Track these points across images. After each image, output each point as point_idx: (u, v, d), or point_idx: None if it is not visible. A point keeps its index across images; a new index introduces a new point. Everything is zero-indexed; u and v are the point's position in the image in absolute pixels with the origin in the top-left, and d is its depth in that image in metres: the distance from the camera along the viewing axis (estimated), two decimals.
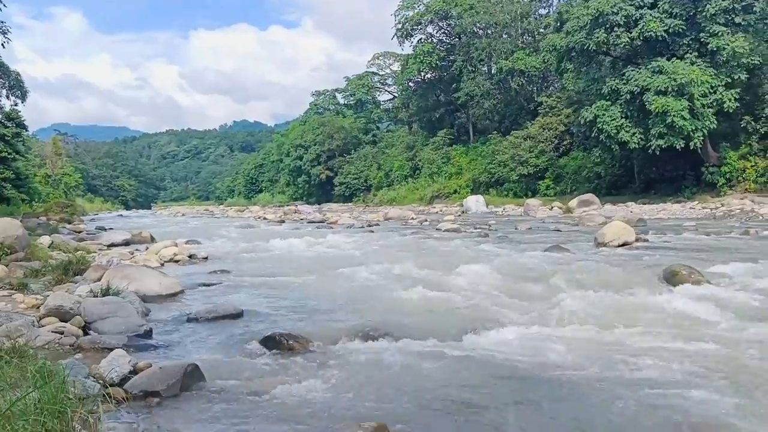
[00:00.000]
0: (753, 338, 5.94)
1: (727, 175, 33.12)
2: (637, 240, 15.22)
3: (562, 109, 46.07)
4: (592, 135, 35.74)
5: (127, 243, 18.29)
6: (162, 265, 12.74)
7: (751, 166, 32.61)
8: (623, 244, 14.72)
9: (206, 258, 14.40)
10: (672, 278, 9.12)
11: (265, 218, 39.82)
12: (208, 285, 10.19)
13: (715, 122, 31.54)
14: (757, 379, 4.66)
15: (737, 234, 17.28)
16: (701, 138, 31.58)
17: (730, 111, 31.64)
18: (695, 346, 5.71)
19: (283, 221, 34.92)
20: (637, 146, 33.10)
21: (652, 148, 32.17)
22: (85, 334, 6.30)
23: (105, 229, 24.74)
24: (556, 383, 4.76)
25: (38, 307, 7.30)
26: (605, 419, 4.01)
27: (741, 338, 5.98)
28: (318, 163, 76.24)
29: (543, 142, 45.91)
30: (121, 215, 57.46)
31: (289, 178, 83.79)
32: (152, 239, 19.26)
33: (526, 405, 4.35)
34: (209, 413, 4.33)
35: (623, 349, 5.66)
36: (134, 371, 4.95)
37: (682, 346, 5.75)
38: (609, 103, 34.19)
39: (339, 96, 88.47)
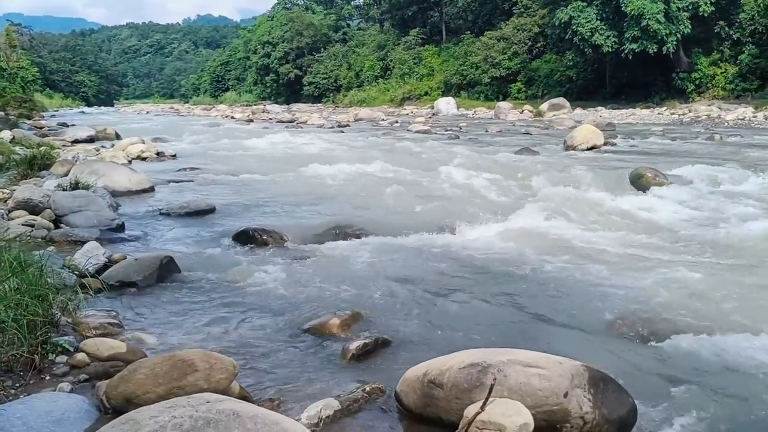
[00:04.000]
0: (705, 237, 6.19)
1: (697, 81, 33.24)
2: (605, 144, 15.42)
3: (537, 9, 44.93)
4: (566, 37, 35.19)
5: (91, 139, 17.89)
6: (129, 162, 12.52)
7: (721, 72, 32.69)
8: (592, 148, 14.92)
9: (175, 156, 14.21)
10: (637, 180, 9.35)
11: (232, 117, 39.09)
12: (178, 182, 10.11)
13: (690, 27, 31.28)
14: (700, 273, 4.89)
15: (702, 139, 17.58)
16: (675, 42, 31.40)
17: (705, 15, 31.34)
18: (652, 243, 5.95)
19: (252, 120, 34.31)
20: (610, 50, 32.83)
21: (626, 52, 31.96)
22: (57, 227, 6.27)
23: (67, 125, 24.07)
24: (519, 276, 4.94)
25: (5, 201, 7.19)
26: (560, 308, 4.22)
27: (695, 236, 6.23)
28: (286, 61, 74.03)
29: (516, 43, 45.10)
30: (83, 112, 55.76)
31: (256, 76, 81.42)
32: (117, 136, 18.85)
33: (489, 296, 4.52)
34: (186, 302, 4.41)
35: (586, 245, 5.85)
36: (109, 263, 4.99)
37: (640, 243, 5.98)
38: (585, 4, 33.52)
39: None
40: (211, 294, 4.58)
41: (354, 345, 3.48)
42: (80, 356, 3.12)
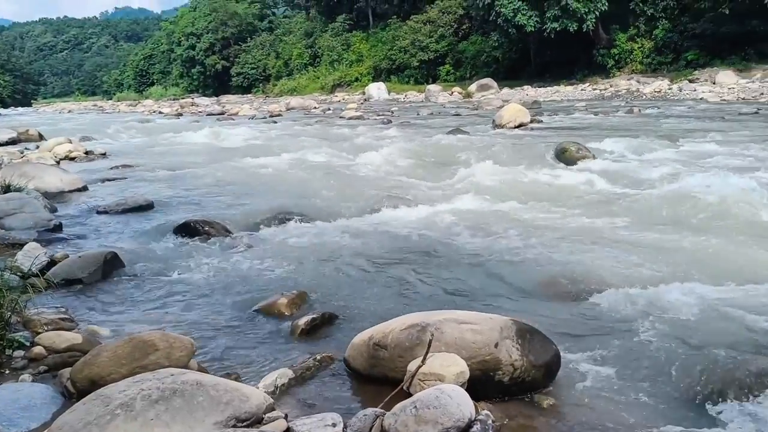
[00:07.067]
0: (624, 202, 6.67)
1: (616, 57, 34.61)
2: (532, 121, 16.02)
3: None
4: (491, 18, 35.95)
5: (14, 141, 17.27)
6: (58, 162, 12.23)
7: (638, 47, 34.13)
8: (519, 125, 15.48)
9: (104, 154, 13.95)
10: (562, 154, 9.86)
11: (160, 112, 38.22)
12: (112, 180, 10.01)
13: (606, 4, 32.48)
14: (622, 236, 5.34)
15: (622, 113, 18.48)
16: (593, 20, 32.57)
17: None
18: (575, 212, 6.38)
19: (181, 114, 33.67)
20: (533, 29, 33.74)
21: (548, 31, 32.93)
22: None
23: None
24: (453, 250, 5.24)
25: None
26: (492, 274, 4.55)
27: (615, 203, 6.70)
28: (212, 52, 72.58)
29: (443, 26, 45.73)
30: None
31: (182, 69, 79.53)
32: (41, 137, 18.26)
33: (425, 269, 4.79)
34: (134, 295, 4.51)
35: (514, 219, 6.21)
36: (52, 263, 5.01)
37: (564, 212, 6.40)
38: None
39: None
40: (159, 285, 4.69)
41: (302, 321, 3.69)
42: (37, 349, 3.22)
